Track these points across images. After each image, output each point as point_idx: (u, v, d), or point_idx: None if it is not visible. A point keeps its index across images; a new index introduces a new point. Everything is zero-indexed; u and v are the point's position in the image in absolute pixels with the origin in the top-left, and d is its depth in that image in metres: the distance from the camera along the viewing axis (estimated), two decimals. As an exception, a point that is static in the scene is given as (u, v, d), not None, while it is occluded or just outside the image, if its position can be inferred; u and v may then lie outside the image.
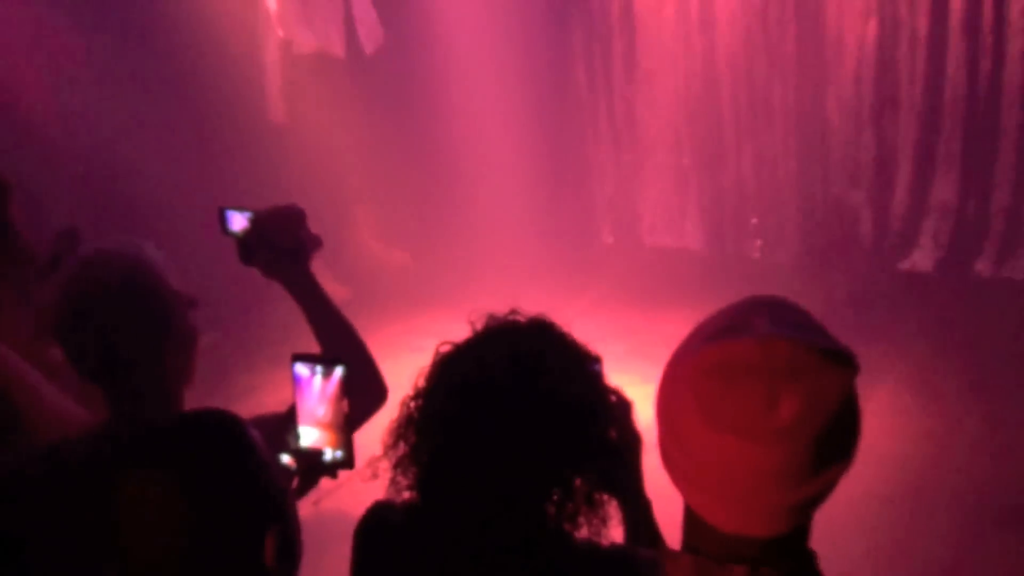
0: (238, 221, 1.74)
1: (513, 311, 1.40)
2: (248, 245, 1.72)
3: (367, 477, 1.43)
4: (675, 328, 1.29)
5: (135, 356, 1.47)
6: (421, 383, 1.38)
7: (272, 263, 1.72)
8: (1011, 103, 4.91)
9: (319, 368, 1.56)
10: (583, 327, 1.44)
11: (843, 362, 1.13)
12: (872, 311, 4.81)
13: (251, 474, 1.38)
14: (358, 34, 5.60)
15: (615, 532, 1.44)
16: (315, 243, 1.73)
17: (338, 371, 1.56)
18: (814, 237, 5.54)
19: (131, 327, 1.46)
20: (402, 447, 1.38)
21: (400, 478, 1.39)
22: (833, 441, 1.14)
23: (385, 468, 1.40)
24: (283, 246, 1.70)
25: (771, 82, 5.55)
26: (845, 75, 5.31)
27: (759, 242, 5.86)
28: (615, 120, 6.24)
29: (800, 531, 1.20)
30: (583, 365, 1.40)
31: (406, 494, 1.39)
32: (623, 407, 1.53)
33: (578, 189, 6.43)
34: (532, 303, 1.40)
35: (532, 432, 1.31)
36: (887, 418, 3.96)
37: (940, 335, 4.57)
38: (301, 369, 1.57)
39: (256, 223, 1.72)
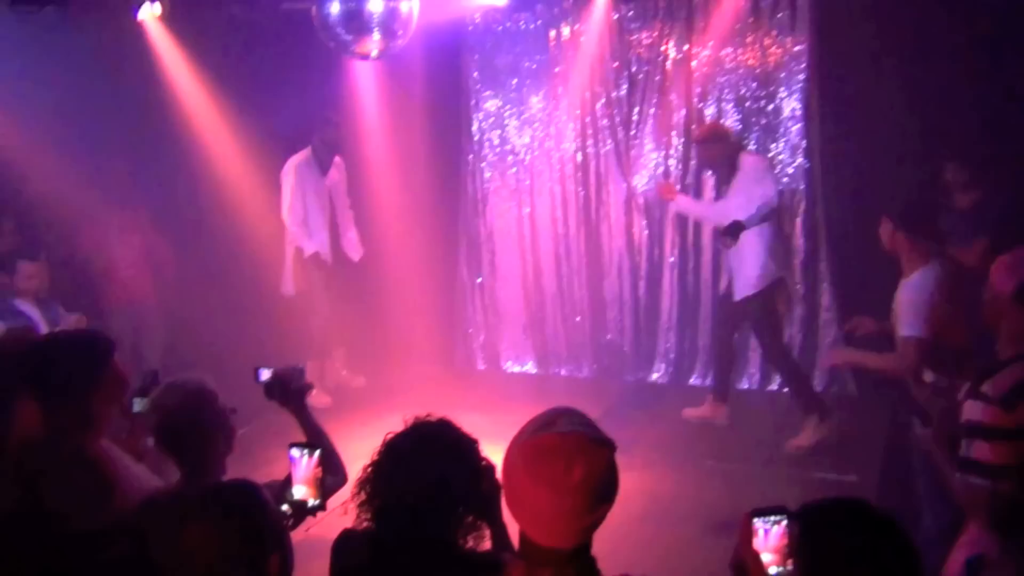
0: (264, 374, 2.74)
1: (428, 414, 2.14)
2: (271, 388, 2.73)
3: (340, 514, 2.13)
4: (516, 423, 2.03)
5: (199, 442, 2.39)
6: (374, 456, 2.07)
7: (284, 398, 2.71)
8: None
9: (306, 451, 2.49)
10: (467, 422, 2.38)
11: (607, 445, 1.76)
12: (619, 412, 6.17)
13: (263, 518, 2.04)
14: (342, 246, 6.72)
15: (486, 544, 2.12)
16: (309, 388, 2.75)
17: (317, 452, 2.49)
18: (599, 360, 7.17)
19: (197, 425, 2.39)
20: (363, 495, 2.06)
21: (362, 514, 2.06)
22: (604, 490, 1.72)
23: (352, 508, 2.08)
24: (291, 389, 2.70)
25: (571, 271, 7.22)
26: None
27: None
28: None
29: (586, 544, 1.76)
30: (467, 444, 2.08)
31: (365, 524, 2.06)
32: (490, 469, 2.10)
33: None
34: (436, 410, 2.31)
35: (438, 485, 1.96)
36: (642, 470, 5.17)
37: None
38: (294, 451, 2.50)
39: (275, 376, 2.72)
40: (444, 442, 2.05)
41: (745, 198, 5.42)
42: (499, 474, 1.88)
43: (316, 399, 6.50)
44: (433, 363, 7.25)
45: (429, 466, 1.99)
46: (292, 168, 6.53)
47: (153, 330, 6.55)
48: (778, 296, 5.65)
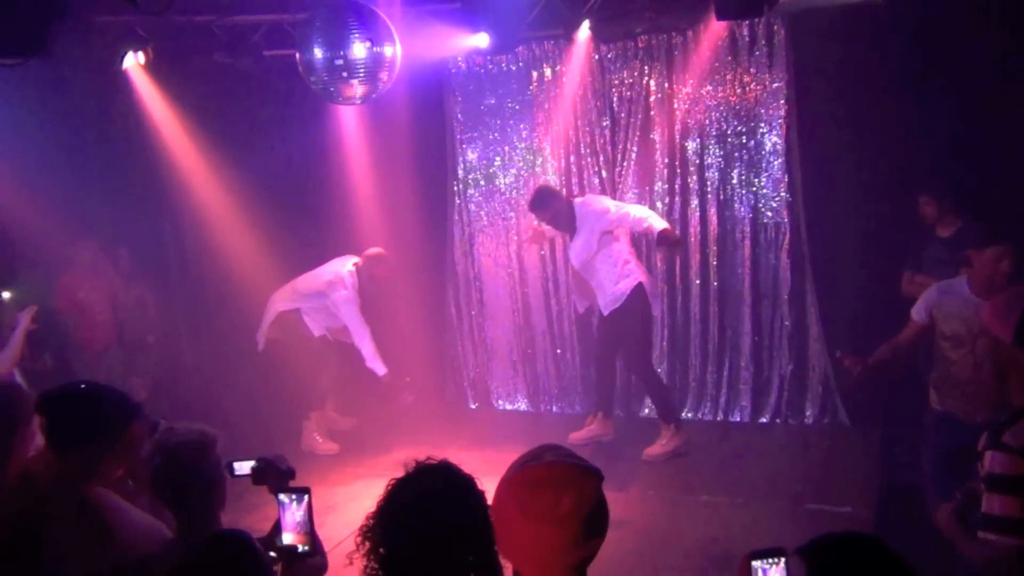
0: (241, 468, 2.73)
1: (428, 457, 2.01)
2: (261, 474, 2.73)
3: (346, 564, 2.03)
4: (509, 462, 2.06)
5: (198, 494, 2.38)
6: (378, 504, 1.94)
7: (272, 482, 2.70)
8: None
9: (295, 496, 2.49)
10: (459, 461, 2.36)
11: (594, 474, 1.74)
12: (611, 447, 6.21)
13: (250, 562, 2.14)
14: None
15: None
16: (292, 472, 2.75)
17: (306, 498, 2.49)
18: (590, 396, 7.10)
19: (193, 478, 2.38)
20: (367, 544, 1.93)
21: (369, 563, 1.94)
22: (594, 521, 1.69)
23: (357, 558, 1.96)
24: (279, 472, 2.72)
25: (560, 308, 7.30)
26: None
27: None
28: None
29: None
30: (471, 488, 1.94)
31: (372, 573, 1.92)
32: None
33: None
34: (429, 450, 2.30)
35: (445, 532, 1.84)
36: (635, 504, 5.22)
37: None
38: (283, 497, 2.50)
39: (263, 464, 2.73)
40: (449, 487, 1.95)
41: (587, 232, 5.91)
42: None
43: (323, 447, 6.54)
44: (424, 402, 7.22)
45: (435, 513, 1.90)
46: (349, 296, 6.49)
47: (119, 374, 6.57)
48: (640, 303, 5.92)
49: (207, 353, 7.43)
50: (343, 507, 5.28)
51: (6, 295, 5.62)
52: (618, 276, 5.91)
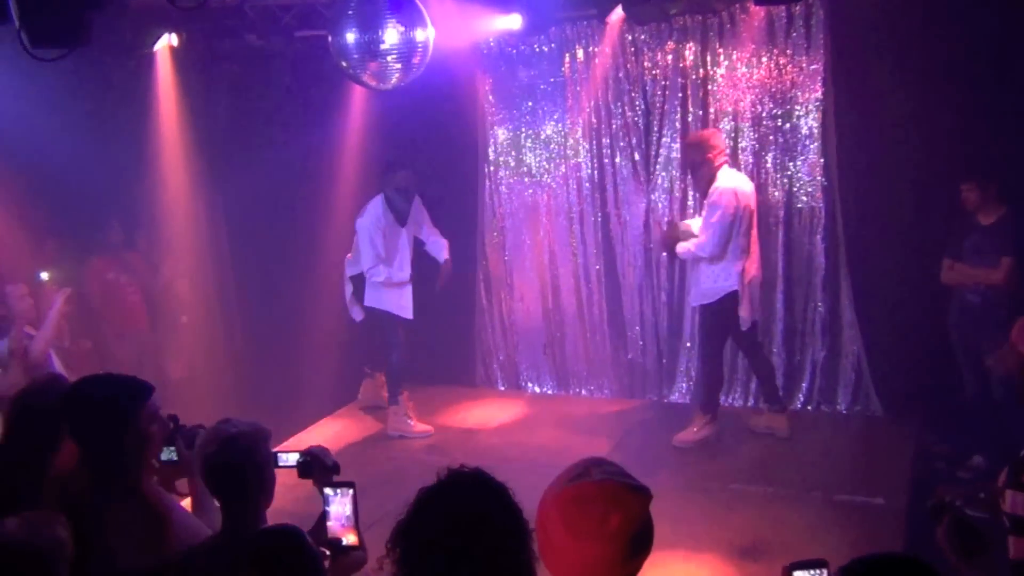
0: (284, 459, 2.73)
1: (461, 465, 1.92)
2: (307, 468, 2.75)
3: (376, 568, 1.96)
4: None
5: (250, 488, 2.40)
6: (408, 512, 1.87)
7: (318, 476, 2.73)
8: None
9: (339, 490, 2.54)
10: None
11: (642, 492, 1.72)
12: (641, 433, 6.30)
13: (306, 557, 2.15)
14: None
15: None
16: (337, 467, 2.76)
17: (351, 492, 2.53)
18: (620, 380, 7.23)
19: (247, 469, 2.40)
20: (398, 551, 1.88)
21: (399, 570, 1.87)
22: (641, 539, 1.70)
23: (387, 563, 1.89)
24: (325, 467, 2.74)
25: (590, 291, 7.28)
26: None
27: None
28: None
29: None
30: (504, 498, 1.84)
31: None
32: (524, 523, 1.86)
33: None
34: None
35: (476, 542, 1.78)
36: (666, 493, 4.94)
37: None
38: (329, 492, 2.54)
39: (309, 459, 2.75)
40: (481, 502, 1.89)
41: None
42: (531, 525, 1.82)
43: (418, 428, 6.46)
44: (454, 384, 7.24)
45: (466, 529, 1.84)
46: (369, 223, 6.35)
47: (151, 355, 6.64)
48: (731, 308, 5.75)
49: (247, 334, 7.49)
50: (372, 490, 5.28)
51: (44, 276, 5.68)
52: (716, 274, 5.76)
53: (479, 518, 1.84)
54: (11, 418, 2.80)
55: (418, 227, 6.62)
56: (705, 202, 5.79)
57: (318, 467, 2.75)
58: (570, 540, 1.69)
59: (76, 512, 2.39)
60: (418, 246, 6.65)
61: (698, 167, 5.81)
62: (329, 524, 2.56)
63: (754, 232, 5.85)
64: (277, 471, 2.57)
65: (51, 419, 2.61)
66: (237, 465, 2.42)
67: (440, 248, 6.70)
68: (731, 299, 5.74)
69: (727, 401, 6.70)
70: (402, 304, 6.46)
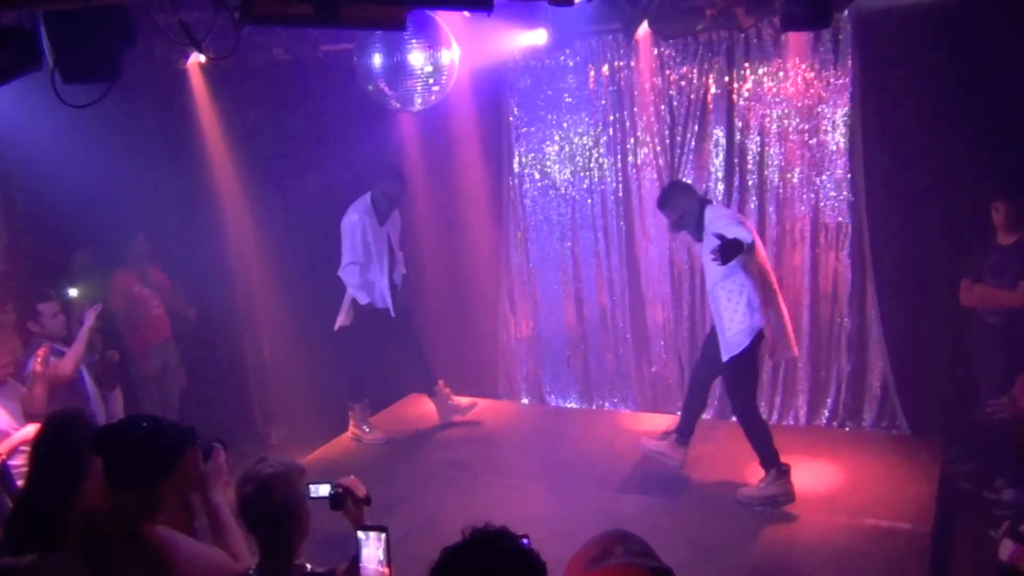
0: (315, 490, 2.79)
1: (487, 523, 1.90)
2: (337, 500, 2.83)
3: None
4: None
5: (282, 528, 2.46)
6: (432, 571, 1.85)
7: (348, 508, 2.81)
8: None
9: (372, 533, 2.59)
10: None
11: (665, 575, 1.68)
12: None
13: None
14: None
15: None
16: (368, 499, 2.83)
17: (384, 535, 2.58)
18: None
19: (281, 508, 2.47)
20: None
21: None
22: None
23: None
24: (356, 500, 2.81)
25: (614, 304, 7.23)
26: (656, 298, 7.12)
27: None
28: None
29: None
30: (527, 560, 1.84)
31: None
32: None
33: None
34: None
35: None
36: (690, 513, 5.28)
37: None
38: (362, 535, 2.60)
39: (340, 490, 2.82)
40: (503, 568, 1.87)
41: (709, 241, 5.10)
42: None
43: (370, 436, 6.64)
44: (477, 397, 7.28)
45: None
46: (355, 220, 6.51)
47: (175, 369, 6.73)
48: (758, 349, 5.34)
49: (269, 345, 7.60)
50: (399, 507, 5.35)
51: (73, 292, 5.76)
52: (732, 316, 5.24)
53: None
54: (38, 454, 2.87)
55: (391, 237, 6.74)
56: (705, 236, 5.23)
57: (350, 500, 2.80)
58: None
59: (101, 550, 2.45)
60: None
61: (682, 218, 5.42)
62: (362, 566, 2.61)
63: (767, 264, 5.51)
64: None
65: (77, 456, 2.67)
66: (273, 505, 2.50)
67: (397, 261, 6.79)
68: (757, 338, 5.28)
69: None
70: (385, 297, 6.61)
